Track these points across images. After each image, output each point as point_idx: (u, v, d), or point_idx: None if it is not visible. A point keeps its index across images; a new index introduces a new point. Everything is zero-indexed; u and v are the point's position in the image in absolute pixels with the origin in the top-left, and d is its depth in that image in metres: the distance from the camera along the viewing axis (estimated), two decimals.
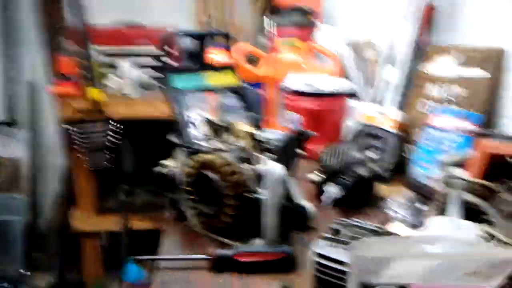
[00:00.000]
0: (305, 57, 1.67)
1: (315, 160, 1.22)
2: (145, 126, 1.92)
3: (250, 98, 1.03)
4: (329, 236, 0.62)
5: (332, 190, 0.98)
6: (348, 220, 0.65)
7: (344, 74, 1.65)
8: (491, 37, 1.14)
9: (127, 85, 2.18)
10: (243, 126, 1.01)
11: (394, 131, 1.24)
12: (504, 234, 0.59)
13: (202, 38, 0.97)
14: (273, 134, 0.86)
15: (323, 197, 0.97)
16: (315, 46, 1.70)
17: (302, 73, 1.57)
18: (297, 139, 0.88)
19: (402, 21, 1.38)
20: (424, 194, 0.91)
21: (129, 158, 2.24)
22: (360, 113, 1.35)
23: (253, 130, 0.99)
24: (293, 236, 0.83)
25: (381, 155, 1.21)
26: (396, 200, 0.95)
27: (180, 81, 0.93)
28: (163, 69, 0.93)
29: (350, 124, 1.35)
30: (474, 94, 1.15)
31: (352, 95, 1.45)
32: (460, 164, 1.07)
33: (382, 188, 1.07)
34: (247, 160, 0.88)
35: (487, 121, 1.11)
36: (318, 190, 1.02)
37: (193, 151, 0.86)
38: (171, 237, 0.89)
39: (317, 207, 0.91)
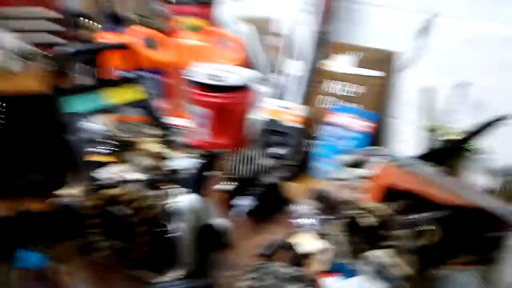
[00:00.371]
0: (209, 42, 1.61)
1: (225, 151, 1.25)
2: (29, 102, 1.74)
3: (156, 110, 0.98)
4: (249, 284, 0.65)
5: (244, 202, 1.00)
6: (266, 266, 0.67)
7: (248, 59, 1.63)
8: (386, 37, 1.21)
9: (4, 56, 1.91)
10: (150, 143, 0.96)
11: (298, 126, 1.29)
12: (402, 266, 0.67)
13: (97, 53, 0.88)
14: (183, 161, 0.83)
15: (235, 210, 0.99)
16: (219, 32, 1.64)
17: (206, 60, 1.52)
18: (208, 162, 0.87)
19: (304, 11, 1.39)
20: (329, 203, 0.97)
21: (14, 137, 2.02)
22: (265, 107, 1.36)
23: (161, 148, 0.95)
24: (212, 259, 0.85)
25: (287, 152, 1.25)
26: (303, 207, 1.00)
27: (75, 104, 0.84)
28: (57, 92, 0.83)
29: (255, 118, 1.36)
30: (370, 93, 1.22)
31: (258, 85, 1.46)
32: (359, 164, 1.16)
33: (289, 187, 1.12)
34: (158, 185, 0.86)
35: (381, 120, 1.21)
36: (230, 199, 1.03)
37: (99, 186, 0.80)
38: (79, 272, 0.84)
39: (231, 219, 0.94)
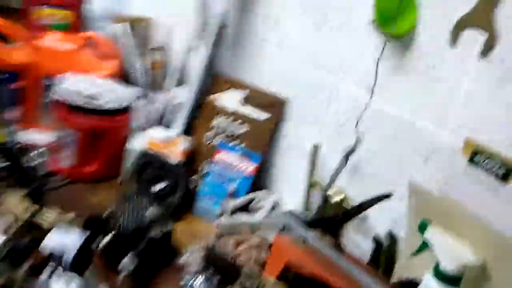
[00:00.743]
0: (78, 45, 1.40)
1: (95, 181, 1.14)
2: None
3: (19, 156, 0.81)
4: None
5: (126, 262, 0.90)
6: None
7: (124, 69, 1.48)
8: (278, 80, 1.21)
9: None
10: (13, 200, 0.80)
11: (181, 161, 1.22)
12: None
13: None
14: (62, 237, 0.71)
15: (118, 272, 0.89)
16: (90, 34, 1.44)
17: (74, 67, 1.32)
18: (94, 232, 0.76)
19: (195, 37, 1.31)
20: (219, 264, 0.94)
21: None
22: (144, 136, 1.26)
23: (28, 207, 0.79)
24: None
25: (169, 188, 1.18)
26: (190, 263, 0.96)
27: None
28: None
29: (133, 148, 1.24)
30: (255, 134, 1.22)
31: (137, 106, 1.33)
32: (243, 208, 1.16)
33: (175, 234, 1.05)
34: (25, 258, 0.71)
35: (264, 162, 1.22)
36: (112, 259, 0.91)
37: None
38: None
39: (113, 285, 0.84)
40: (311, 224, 0.89)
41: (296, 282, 0.75)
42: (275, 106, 1.20)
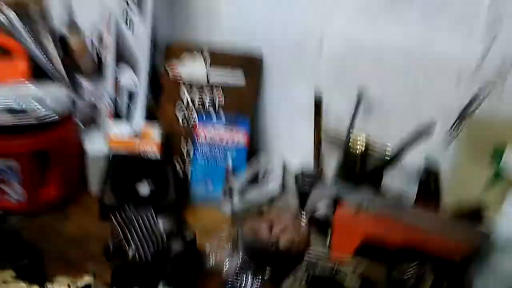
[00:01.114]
0: None
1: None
2: None
3: None
4: None
5: None
6: None
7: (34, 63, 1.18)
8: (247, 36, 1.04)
9: None
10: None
11: (161, 151, 1.04)
12: None
13: None
14: None
15: None
16: None
17: None
18: None
19: (120, 5, 1.06)
20: (266, 257, 0.83)
21: None
22: (105, 137, 1.04)
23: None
24: None
25: (159, 187, 1.00)
26: (228, 266, 0.84)
27: None
28: None
29: (97, 153, 1.02)
30: (237, 99, 1.07)
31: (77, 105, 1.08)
32: (251, 182, 1.04)
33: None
34: None
35: (253, 125, 1.08)
36: None
37: None
38: None
39: None
40: (356, 181, 0.80)
41: (382, 255, 0.67)
42: (249, 64, 1.05)
